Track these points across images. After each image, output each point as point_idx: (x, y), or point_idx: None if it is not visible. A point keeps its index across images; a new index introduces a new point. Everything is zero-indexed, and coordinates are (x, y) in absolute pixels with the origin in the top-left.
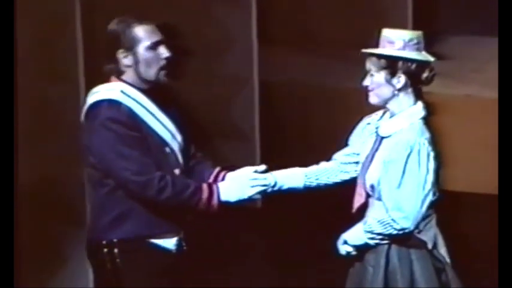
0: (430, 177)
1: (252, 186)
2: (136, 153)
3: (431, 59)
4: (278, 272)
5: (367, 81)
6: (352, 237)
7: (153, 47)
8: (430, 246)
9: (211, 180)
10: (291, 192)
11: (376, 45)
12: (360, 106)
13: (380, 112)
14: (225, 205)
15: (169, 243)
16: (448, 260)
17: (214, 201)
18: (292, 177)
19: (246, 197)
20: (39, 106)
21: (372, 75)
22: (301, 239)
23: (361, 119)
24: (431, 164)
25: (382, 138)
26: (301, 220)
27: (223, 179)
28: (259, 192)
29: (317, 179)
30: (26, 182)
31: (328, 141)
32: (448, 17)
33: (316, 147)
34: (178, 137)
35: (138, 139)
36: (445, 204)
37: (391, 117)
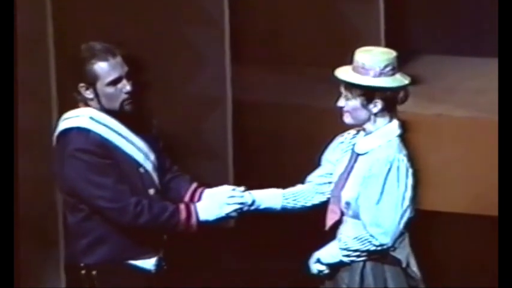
0: (408, 194)
1: (229, 204)
2: (109, 180)
3: (406, 81)
4: None
5: (341, 102)
6: (326, 256)
7: (113, 83)
8: (404, 264)
9: (187, 198)
10: (268, 212)
11: (348, 64)
12: (333, 126)
13: (353, 130)
14: (203, 224)
15: (149, 263)
16: (420, 277)
17: (193, 221)
18: (270, 197)
19: (223, 214)
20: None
21: (347, 98)
22: (273, 257)
23: (333, 138)
24: (410, 181)
25: (358, 155)
26: (273, 238)
27: (199, 197)
28: (236, 210)
29: (294, 200)
30: None
31: (302, 161)
32: (419, 36)
33: (290, 167)
34: (151, 156)
35: (110, 166)
36: (417, 223)
37: (366, 135)
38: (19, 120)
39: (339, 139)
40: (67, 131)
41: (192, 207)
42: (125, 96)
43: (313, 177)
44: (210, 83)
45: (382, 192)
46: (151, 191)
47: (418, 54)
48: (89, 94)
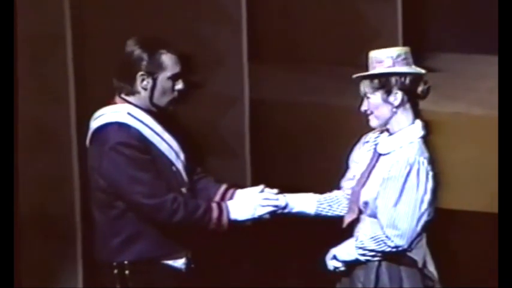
0: (427, 197)
1: (263, 206)
2: (148, 176)
3: (422, 71)
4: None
5: (364, 106)
6: (342, 253)
7: (173, 78)
8: (420, 264)
9: (218, 198)
10: (301, 217)
11: (366, 69)
12: (351, 124)
13: (378, 130)
14: (234, 224)
15: (179, 262)
16: (436, 277)
17: (224, 220)
18: (304, 202)
19: (255, 216)
20: (28, 127)
21: (368, 98)
22: (291, 254)
23: (358, 138)
24: (430, 184)
25: (380, 155)
26: (291, 234)
27: (231, 197)
28: (269, 213)
29: (329, 206)
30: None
31: (319, 159)
32: (437, 34)
33: (307, 165)
34: (182, 156)
35: (149, 162)
36: (437, 222)
37: (389, 135)
38: (36, 119)
39: (363, 139)
40: (105, 126)
41: (224, 205)
42: (175, 94)
43: (344, 182)
44: (227, 82)
45: (400, 195)
46: (184, 190)
47: (435, 53)
48: (144, 85)
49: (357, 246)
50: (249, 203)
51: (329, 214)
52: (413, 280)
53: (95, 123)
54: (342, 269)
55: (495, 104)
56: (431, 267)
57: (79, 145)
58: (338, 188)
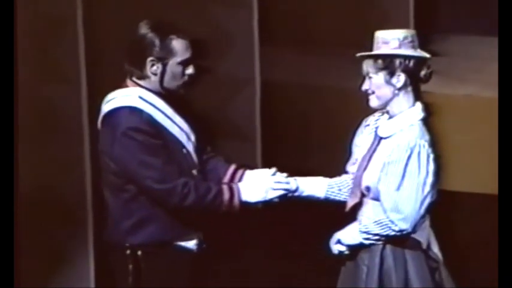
0: (430, 180)
1: (274, 189)
2: (159, 161)
3: (427, 55)
4: (278, 268)
5: (366, 85)
6: (346, 237)
7: (183, 63)
8: (424, 246)
9: (227, 178)
10: (311, 200)
11: (371, 49)
12: (360, 106)
13: (378, 113)
14: (245, 205)
15: (191, 243)
16: (441, 258)
17: (236, 202)
18: (314, 186)
19: (267, 199)
20: (39, 108)
21: (370, 77)
22: (296, 238)
23: (360, 122)
24: (431, 166)
25: (381, 138)
26: (295, 219)
27: (241, 178)
28: (280, 196)
29: (339, 190)
30: (26, 184)
31: (329, 142)
32: (448, 17)
33: (317, 147)
34: (192, 137)
35: (161, 146)
36: (444, 204)
37: (389, 118)
38: (49, 103)
39: (364, 122)
40: (117, 110)
41: (235, 187)
42: (186, 78)
43: (349, 167)
44: (238, 64)
45: (402, 178)
46: (194, 172)
47: (446, 35)
48: (154, 70)
49: (361, 231)
50: (260, 185)
51: (338, 198)
52: (417, 262)
53: (106, 106)
54: (346, 252)
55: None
56: (435, 249)
57: (91, 127)
58: (346, 172)
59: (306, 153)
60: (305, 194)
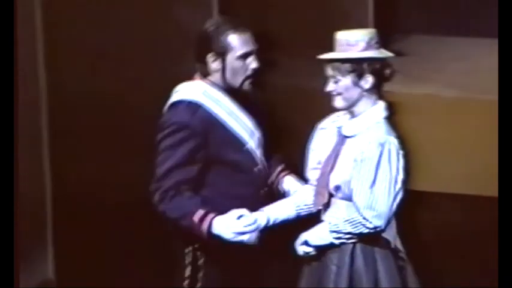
0: (400, 176)
1: (246, 233)
2: (170, 163)
3: (391, 54)
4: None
5: (331, 87)
6: (314, 238)
7: (243, 56)
8: (393, 245)
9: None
10: (284, 223)
11: (331, 49)
12: (324, 106)
13: (334, 116)
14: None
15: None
16: (406, 257)
17: (204, 230)
18: (283, 210)
19: (240, 240)
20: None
21: (336, 80)
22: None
23: (315, 127)
24: (401, 163)
25: (345, 138)
26: None
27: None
28: (255, 230)
29: (306, 206)
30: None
31: (290, 141)
32: (408, 16)
33: (281, 147)
34: (257, 134)
35: (196, 147)
36: (407, 204)
37: (352, 117)
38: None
39: (319, 126)
40: (175, 104)
41: (209, 216)
42: (249, 72)
43: (309, 173)
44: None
45: (375, 175)
46: (256, 169)
47: (407, 35)
48: (215, 66)
49: (331, 230)
50: (229, 229)
51: (308, 212)
52: (386, 261)
53: (172, 98)
54: (313, 253)
55: (466, 86)
56: (400, 247)
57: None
58: (305, 179)
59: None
60: (279, 220)
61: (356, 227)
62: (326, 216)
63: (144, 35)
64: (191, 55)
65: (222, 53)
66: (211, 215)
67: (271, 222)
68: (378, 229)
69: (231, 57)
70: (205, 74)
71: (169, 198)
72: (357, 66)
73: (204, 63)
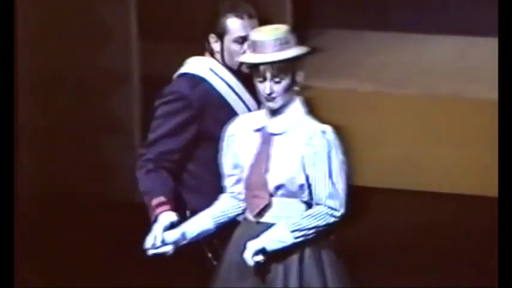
0: (344, 165)
1: (165, 244)
2: (163, 128)
3: (309, 49)
4: None
5: (268, 89)
6: (272, 243)
7: (239, 40)
8: (334, 244)
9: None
10: (204, 235)
11: (254, 50)
12: None
13: (240, 119)
14: None
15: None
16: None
17: (152, 217)
18: (200, 223)
19: (160, 251)
20: None
21: (276, 81)
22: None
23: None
24: (341, 148)
25: (273, 136)
26: None
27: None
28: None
29: (224, 213)
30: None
31: None
32: (323, 11)
33: None
34: None
35: (189, 118)
36: None
37: (273, 115)
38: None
39: (228, 133)
40: (180, 76)
41: (163, 208)
42: None
43: (226, 181)
44: (116, 58)
45: (329, 164)
46: None
47: (322, 30)
48: (216, 47)
49: (292, 230)
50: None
51: (227, 219)
52: (332, 260)
53: (182, 68)
54: (263, 261)
55: (382, 80)
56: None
57: None
58: (222, 189)
59: None
60: (196, 234)
61: (322, 218)
62: (266, 219)
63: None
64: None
65: (220, 35)
66: (165, 207)
67: (188, 238)
68: (341, 216)
69: (228, 40)
70: (212, 53)
71: (146, 169)
72: (292, 66)
73: (208, 42)
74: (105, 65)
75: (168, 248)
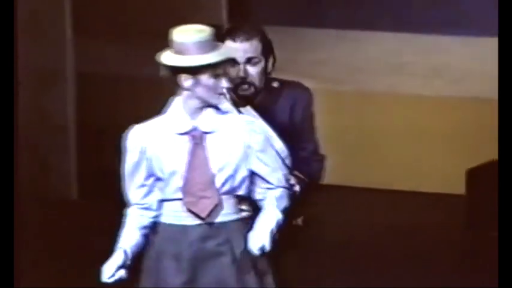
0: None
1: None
2: None
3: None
4: None
5: (225, 84)
6: (266, 238)
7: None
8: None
9: None
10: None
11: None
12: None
13: (150, 122)
14: None
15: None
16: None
17: None
18: (132, 238)
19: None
20: None
21: (229, 78)
22: None
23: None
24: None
25: (204, 135)
26: None
27: None
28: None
29: (144, 226)
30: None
31: None
32: (259, 7)
33: None
34: None
35: None
36: None
37: (198, 115)
38: None
39: (136, 143)
40: None
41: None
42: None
43: (134, 192)
44: (49, 55)
45: (276, 151)
46: None
47: (257, 25)
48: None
49: (278, 218)
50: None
51: (156, 223)
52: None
53: None
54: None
55: (317, 76)
56: None
57: None
58: (129, 202)
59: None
60: (135, 249)
61: (289, 197)
62: (216, 217)
63: None
64: None
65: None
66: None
67: (130, 255)
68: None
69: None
70: None
71: None
72: (218, 65)
73: None
74: (39, 62)
75: (121, 273)
